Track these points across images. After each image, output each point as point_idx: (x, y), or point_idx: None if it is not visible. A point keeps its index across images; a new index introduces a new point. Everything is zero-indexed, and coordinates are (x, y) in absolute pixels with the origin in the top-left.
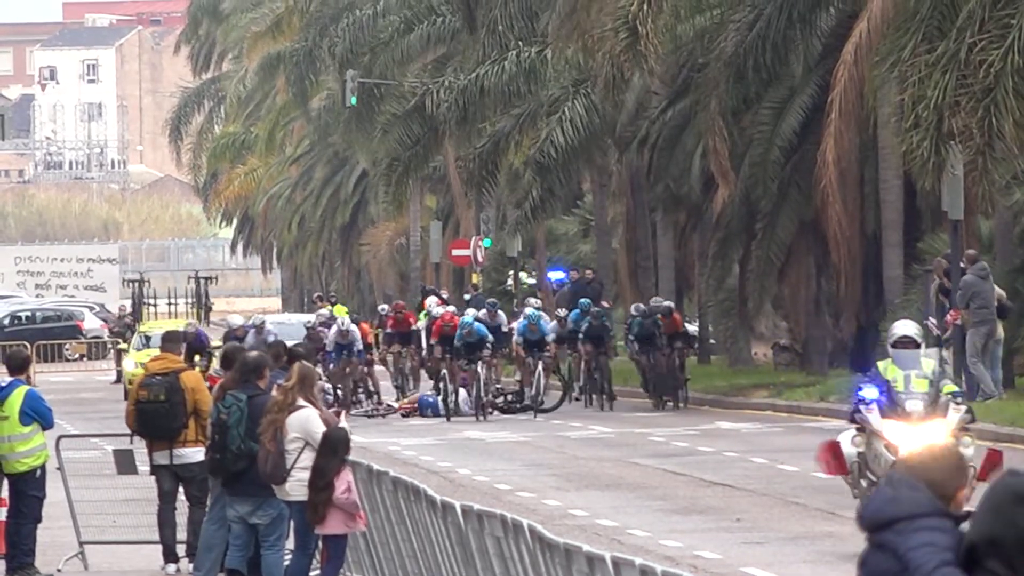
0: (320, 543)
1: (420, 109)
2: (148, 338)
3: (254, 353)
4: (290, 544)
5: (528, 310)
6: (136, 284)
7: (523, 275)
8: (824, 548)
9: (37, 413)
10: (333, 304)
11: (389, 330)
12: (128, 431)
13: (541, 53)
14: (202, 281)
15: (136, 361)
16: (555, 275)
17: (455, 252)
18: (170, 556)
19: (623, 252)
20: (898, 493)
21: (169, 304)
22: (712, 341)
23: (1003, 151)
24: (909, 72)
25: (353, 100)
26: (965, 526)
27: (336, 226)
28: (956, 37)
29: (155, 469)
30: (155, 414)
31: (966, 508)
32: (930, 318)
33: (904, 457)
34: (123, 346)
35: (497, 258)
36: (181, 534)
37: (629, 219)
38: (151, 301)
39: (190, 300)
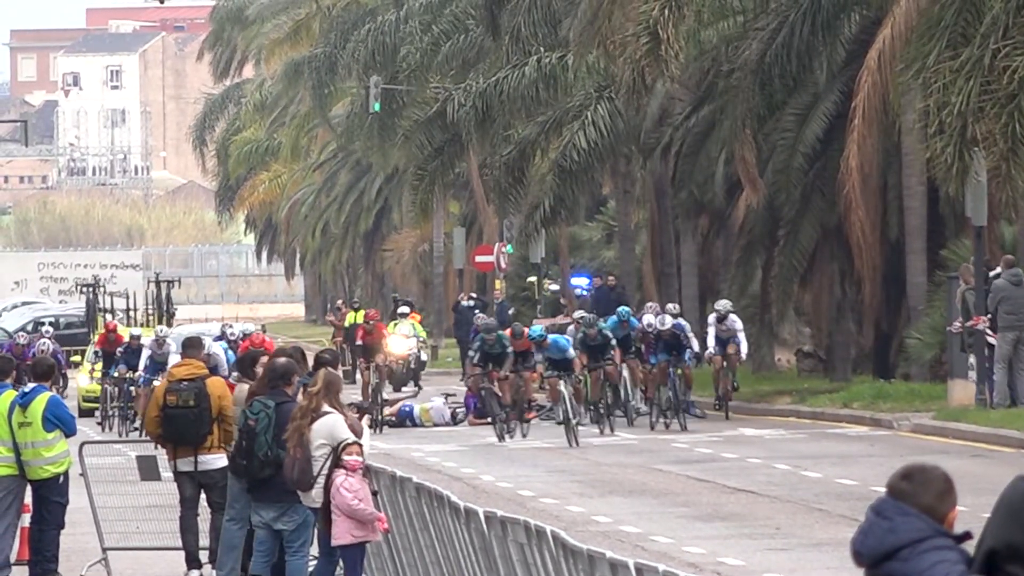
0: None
1: (441, 115)
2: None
3: (283, 359)
4: (315, 551)
5: (535, 327)
6: (90, 289)
7: (545, 281)
8: (847, 555)
9: (59, 420)
10: (356, 310)
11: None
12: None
13: (562, 59)
14: (163, 285)
15: (88, 375)
16: (579, 281)
17: (478, 258)
18: (193, 562)
19: (649, 258)
20: (893, 522)
21: (127, 312)
22: None
23: None
24: (933, 78)
25: (376, 106)
26: (965, 546)
27: (359, 232)
28: (980, 43)
29: (177, 475)
30: (183, 419)
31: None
32: (955, 324)
33: (891, 485)
34: (75, 358)
35: (520, 264)
36: (204, 540)
37: (655, 225)
38: (108, 308)
39: (151, 306)
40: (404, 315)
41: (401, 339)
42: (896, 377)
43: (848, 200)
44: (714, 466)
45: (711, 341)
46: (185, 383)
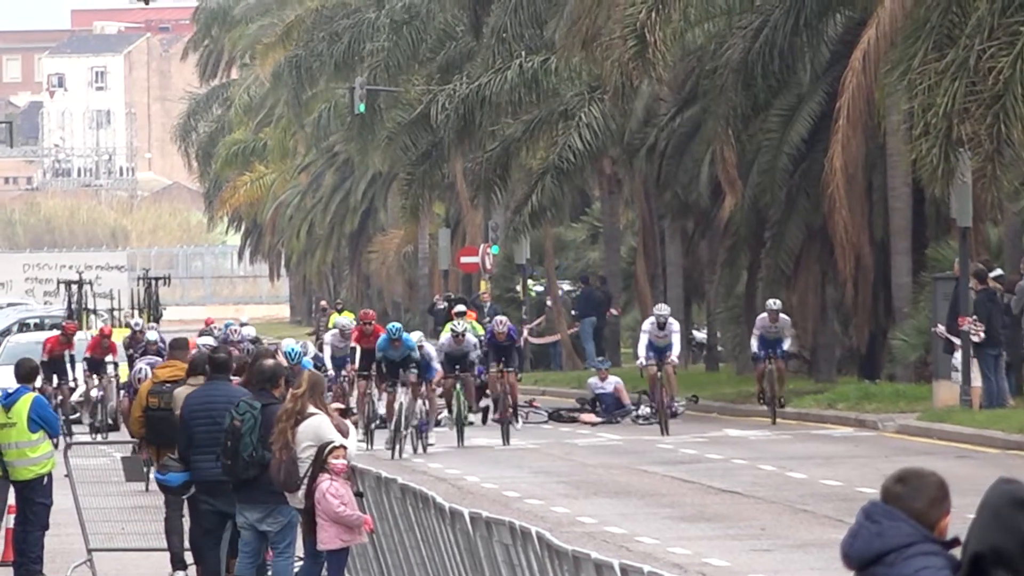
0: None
1: (425, 117)
2: None
3: (270, 361)
4: (300, 552)
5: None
6: (75, 286)
7: (530, 282)
8: (832, 555)
9: (44, 420)
10: (339, 311)
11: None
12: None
13: (545, 62)
14: (152, 283)
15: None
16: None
17: (463, 259)
18: (178, 563)
19: (640, 259)
20: (881, 526)
21: (112, 311)
22: (720, 348)
23: (1012, 157)
24: (918, 79)
25: (361, 107)
26: (954, 552)
27: (345, 233)
28: (965, 44)
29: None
30: (164, 422)
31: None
32: (939, 325)
33: (884, 487)
34: None
35: (505, 265)
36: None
37: (645, 226)
38: (92, 307)
39: (139, 306)
40: (462, 314)
41: None
42: (881, 378)
43: (832, 200)
44: (699, 467)
45: (642, 350)
46: (168, 385)
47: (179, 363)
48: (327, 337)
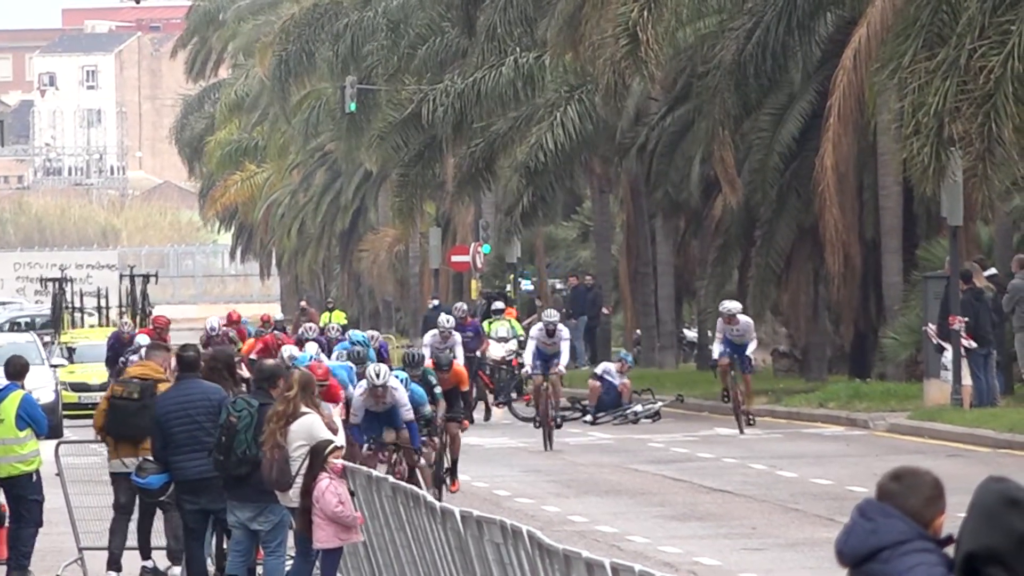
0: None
1: (416, 116)
2: (71, 350)
3: (270, 361)
4: (291, 551)
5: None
6: (56, 284)
7: (522, 281)
8: (823, 554)
9: (32, 419)
10: (331, 310)
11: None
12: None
13: (539, 59)
14: (138, 280)
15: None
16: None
17: (454, 258)
18: (114, 565)
19: (623, 258)
20: (876, 524)
21: (99, 309)
22: (711, 347)
23: (1003, 157)
24: (909, 78)
25: (352, 106)
26: (948, 550)
27: (336, 232)
28: (956, 43)
29: (114, 478)
30: (125, 411)
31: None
32: (929, 324)
33: (880, 485)
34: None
35: (496, 264)
36: (160, 539)
37: (630, 225)
38: (76, 305)
39: (124, 305)
40: (499, 311)
41: (496, 343)
42: (872, 377)
43: (823, 199)
44: (690, 466)
45: (529, 358)
46: (136, 380)
47: (152, 364)
48: (426, 339)
